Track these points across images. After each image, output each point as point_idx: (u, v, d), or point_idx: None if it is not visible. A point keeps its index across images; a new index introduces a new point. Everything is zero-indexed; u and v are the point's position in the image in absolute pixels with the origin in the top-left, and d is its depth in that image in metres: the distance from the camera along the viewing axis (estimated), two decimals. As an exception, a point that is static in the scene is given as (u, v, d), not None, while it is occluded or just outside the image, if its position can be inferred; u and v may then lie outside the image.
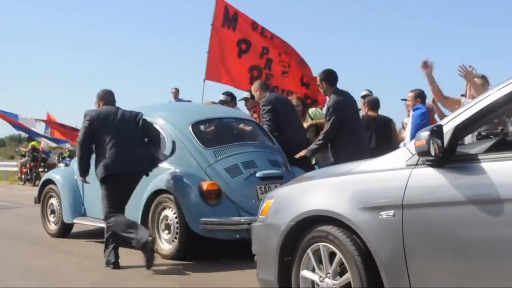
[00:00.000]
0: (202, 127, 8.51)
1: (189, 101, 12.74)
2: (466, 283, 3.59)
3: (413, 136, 8.26)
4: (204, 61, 11.35)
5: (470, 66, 7.39)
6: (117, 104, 7.75)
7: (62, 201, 9.30)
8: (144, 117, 7.65)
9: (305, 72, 11.69)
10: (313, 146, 8.58)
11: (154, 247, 7.20)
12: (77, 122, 44.44)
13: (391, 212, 3.85)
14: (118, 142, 7.40)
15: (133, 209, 7.99)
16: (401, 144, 8.70)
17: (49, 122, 23.31)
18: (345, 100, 8.48)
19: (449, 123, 3.80)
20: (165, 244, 7.79)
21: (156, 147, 7.82)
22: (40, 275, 7.08)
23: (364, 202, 3.99)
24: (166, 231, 7.78)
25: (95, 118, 7.46)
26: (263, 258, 4.73)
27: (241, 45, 11.38)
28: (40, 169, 23.21)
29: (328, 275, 4.25)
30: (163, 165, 7.93)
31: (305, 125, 9.91)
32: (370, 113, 10.16)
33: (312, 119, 10.28)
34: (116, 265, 7.31)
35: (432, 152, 3.65)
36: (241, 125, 8.97)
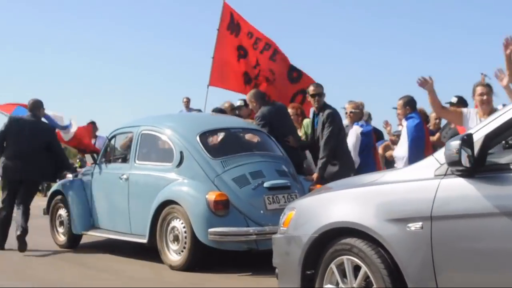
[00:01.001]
0: (209, 137, 8.28)
1: (199, 110, 12.35)
2: (499, 297, 3.36)
3: (411, 149, 8.10)
4: (208, 66, 11.06)
5: (430, 77, 7.02)
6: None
7: (71, 212, 9.10)
8: (146, 128, 7.82)
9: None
10: (320, 162, 8.42)
11: (24, 238, 8.71)
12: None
13: (419, 224, 3.63)
14: (17, 150, 8.99)
15: (142, 219, 7.85)
16: (397, 156, 8.36)
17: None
18: (337, 112, 8.60)
19: (479, 132, 3.57)
20: (174, 255, 7.57)
21: (60, 161, 9.39)
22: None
23: (391, 214, 3.75)
24: (175, 242, 7.56)
25: (12, 123, 9.11)
26: (285, 271, 4.49)
27: (239, 51, 11.14)
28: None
29: (352, 289, 3.99)
30: (171, 175, 7.73)
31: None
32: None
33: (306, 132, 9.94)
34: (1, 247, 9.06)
35: (463, 162, 3.41)
36: (249, 135, 8.76)
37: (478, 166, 3.49)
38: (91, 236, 9.11)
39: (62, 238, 9.40)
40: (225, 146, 8.29)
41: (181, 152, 7.82)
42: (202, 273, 7.25)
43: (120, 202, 8.37)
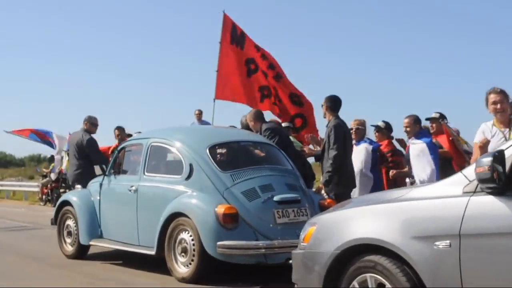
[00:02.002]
0: (219, 150, 8.10)
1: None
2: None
3: (437, 167, 7.89)
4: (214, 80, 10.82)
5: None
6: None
7: (79, 223, 8.90)
8: (156, 140, 7.57)
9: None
10: (327, 175, 8.21)
11: None
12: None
13: (447, 242, 3.42)
14: None
15: (150, 231, 7.67)
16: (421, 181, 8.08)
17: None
18: (344, 124, 8.33)
19: (510, 148, 3.34)
20: (182, 267, 7.35)
21: None
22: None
23: (417, 231, 3.54)
24: (183, 254, 7.35)
25: None
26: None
27: (250, 64, 10.91)
28: (61, 190, 22.04)
29: (376, 307, 3.78)
30: (180, 188, 7.56)
31: None
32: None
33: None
34: None
35: (495, 180, 3.18)
36: (259, 148, 8.56)
37: (510, 183, 3.27)
38: (99, 247, 8.87)
39: (69, 249, 9.18)
40: (234, 159, 8.13)
41: (190, 165, 7.63)
42: (209, 286, 7.05)
43: (129, 213, 8.17)
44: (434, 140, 8.54)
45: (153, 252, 7.59)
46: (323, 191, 8.28)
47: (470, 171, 3.46)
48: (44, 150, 62.93)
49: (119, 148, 9.03)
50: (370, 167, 8.79)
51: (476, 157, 6.17)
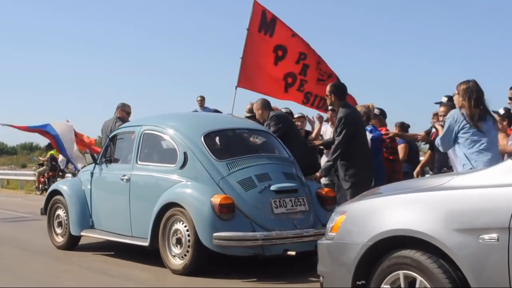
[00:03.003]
0: (214, 138, 7.63)
1: (216, 110, 11.40)
2: None
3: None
4: (237, 67, 10.15)
5: None
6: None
7: (70, 213, 8.40)
8: (148, 128, 7.09)
9: None
10: (326, 164, 7.78)
11: None
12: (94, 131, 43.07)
13: (494, 236, 2.97)
14: None
15: (143, 221, 7.25)
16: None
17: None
18: (354, 113, 7.75)
19: None
20: (176, 259, 6.92)
21: None
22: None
23: (460, 223, 3.08)
24: (177, 246, 6.90)
25: None
26: (333, 280, 3.81)
27: (277, 51, 10.27)
28: (58, 179, 21.35)
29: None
30: (174, 177, 7.12)
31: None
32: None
33: None
34: None
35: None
36: (255, 136, 8.10)
37: None
38: (90, 237, 8.42)
39: (60, 239, 8.68)
40: (230, 147, 7.68)
41: (184, 153, 7.17)
42: (204, 278, 6.67)
43: (121, 203, 7.70)
44: None
45: (146, 244, 7.16)
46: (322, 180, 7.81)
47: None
48: (36, 139, 61.88)
49: (110, 136, 8.47)
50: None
51: None
